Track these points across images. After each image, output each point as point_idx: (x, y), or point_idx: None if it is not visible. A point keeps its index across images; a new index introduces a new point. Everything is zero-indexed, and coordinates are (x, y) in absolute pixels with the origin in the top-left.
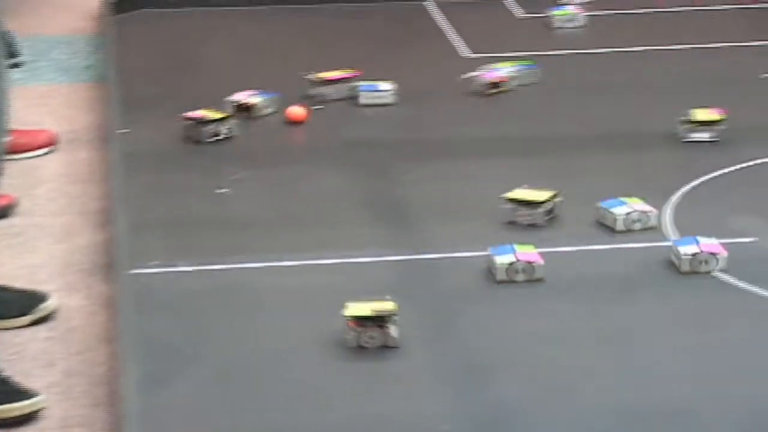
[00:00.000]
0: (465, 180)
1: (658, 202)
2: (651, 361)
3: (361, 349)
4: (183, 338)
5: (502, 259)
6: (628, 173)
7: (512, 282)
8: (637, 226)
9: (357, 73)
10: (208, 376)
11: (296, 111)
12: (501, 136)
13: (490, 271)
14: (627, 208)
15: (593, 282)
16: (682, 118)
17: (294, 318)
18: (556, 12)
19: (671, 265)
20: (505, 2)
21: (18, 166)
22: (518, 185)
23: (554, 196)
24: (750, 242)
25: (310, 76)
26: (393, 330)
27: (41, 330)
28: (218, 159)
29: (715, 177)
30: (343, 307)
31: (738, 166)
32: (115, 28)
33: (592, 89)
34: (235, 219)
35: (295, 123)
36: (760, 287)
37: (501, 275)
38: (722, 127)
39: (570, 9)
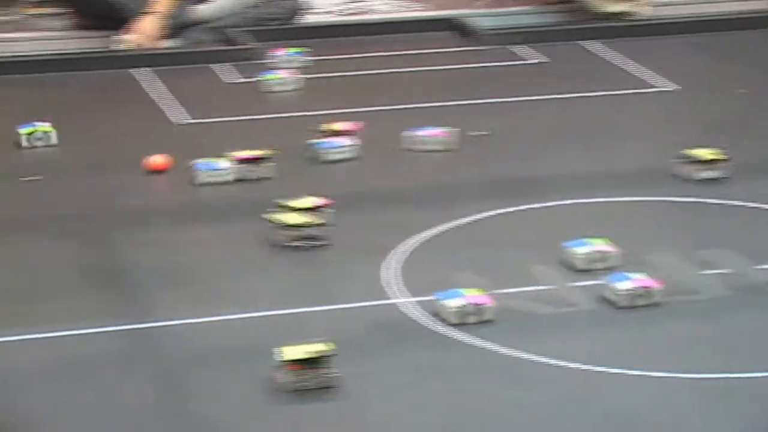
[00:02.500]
0: (185, 247)
1: (381, 262)
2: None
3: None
4: None
5: None
6: (351, 234)
7: None
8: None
9: None
10: None
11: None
12: (218, 201)
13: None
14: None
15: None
16: None
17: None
18: (266, 76)
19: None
20: (213, 68)
21: None
22: (235, 250)
23: None
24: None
25: None
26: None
27: None
28: None
29: (437, 234)
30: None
31: (456, 223)
32: None
33: (306, 152)
34: None
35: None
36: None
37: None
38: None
39: (280, 74)
